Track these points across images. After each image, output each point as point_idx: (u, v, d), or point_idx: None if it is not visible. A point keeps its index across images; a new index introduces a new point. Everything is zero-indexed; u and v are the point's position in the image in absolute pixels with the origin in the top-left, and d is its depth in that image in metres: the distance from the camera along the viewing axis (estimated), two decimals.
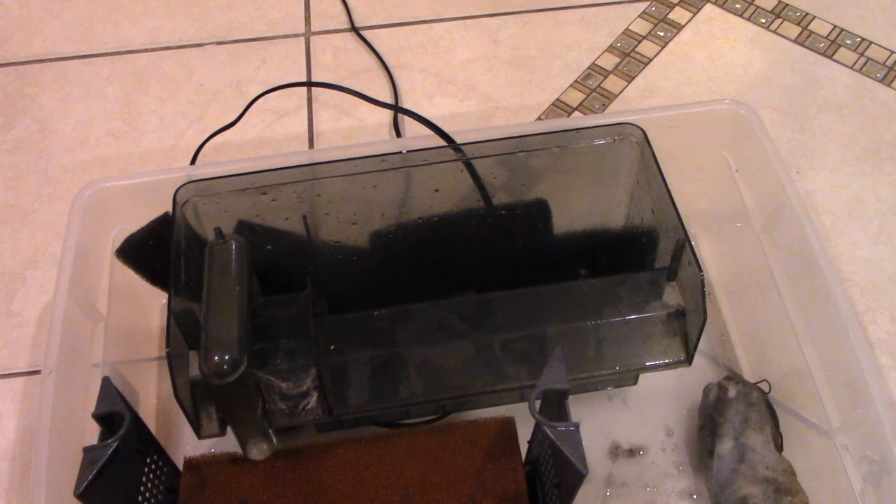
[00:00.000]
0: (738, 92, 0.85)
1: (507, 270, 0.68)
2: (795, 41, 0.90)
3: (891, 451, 0.50)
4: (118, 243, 0.64)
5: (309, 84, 0.87)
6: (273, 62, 0.89)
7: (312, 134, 0.83)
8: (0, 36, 0.93)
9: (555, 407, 0.49)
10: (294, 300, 0.56)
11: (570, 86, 0.86)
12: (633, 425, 0.64)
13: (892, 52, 0.88)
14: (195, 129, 0.84)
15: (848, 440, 0.55)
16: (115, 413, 0.48)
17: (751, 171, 0.66)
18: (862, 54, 0.88)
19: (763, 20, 0.91)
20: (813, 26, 0.91)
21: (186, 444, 0.64)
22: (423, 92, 0.86)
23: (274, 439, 0.53)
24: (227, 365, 0.48)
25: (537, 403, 0.48)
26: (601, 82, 0.87)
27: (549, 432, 0.46)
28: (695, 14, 0.92)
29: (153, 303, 0.70)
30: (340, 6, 0.94)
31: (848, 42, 0.89)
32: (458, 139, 0.63)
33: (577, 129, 0.63)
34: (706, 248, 0.73)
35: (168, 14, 0.94)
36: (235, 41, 0.91)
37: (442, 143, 0.63)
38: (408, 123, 0.83)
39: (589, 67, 0.88)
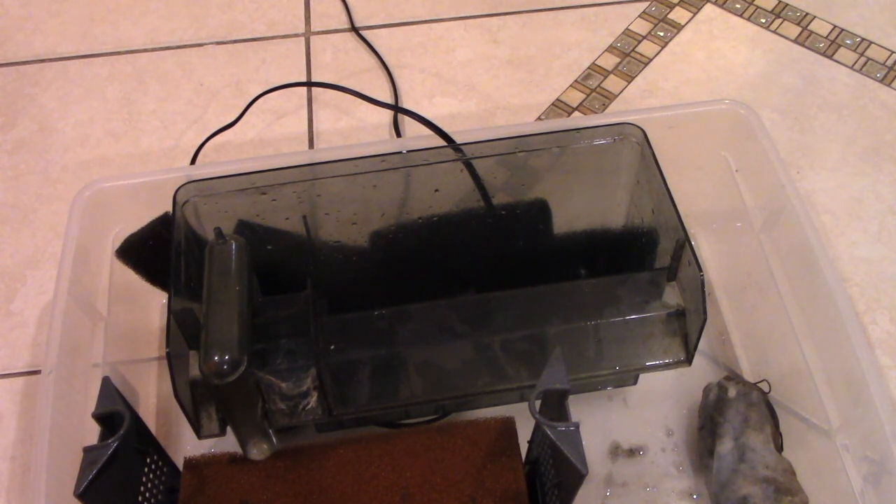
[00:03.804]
0: (738, 92, 0.85)
1: (507, 270, 0.68)
2: (795, 41, 0.90)
3: (891, 451, 0.50)
4: (118, 243, 0.64)
5: (309, 84, 0.87)
6: (273, 62, 0.89)
7: (312, 134, 0.83)
8: (0, 36, 0.93)
9: (555, 407, 0.49)
10: (294, 300, 0.56)
11: (570, 86, 0.86)
12: (633, 425, 0.64)
13: (892, 52, 0.88)
14: (195, 129, 0.84)
15: (848, 440, 0.55)
16: (115, 413, 0.48)
17: (751, 171, 0.66)
18: (862, 54, 0.88)
19: (763, 20, 0.91)
20: (813, 26, 0.91)
21: (186, 444, 0.64)
22: (423, 92, 0.86)
23: (274, 439, 0.53)
24: (227, 365, 0.48)
25: (537, 403, 0.48)
26: (601, 82, 0.87)
27: (549, 432, 0.46)
28: (695, 14, 0.92)
29: (153, 303, 0.70)
30: (340, 6, 0.94)
31: (848, 42, 0.89)
32: (458, 139, 0.63)
33: (577, 129, 0.63)
34: (706, 248, 0.73)
35: (168, 14, 0.94)
36: (235, 41, 0.91)
37: (442, 143, 0.63)
38: (408, 123, 0.83)
39: (589, 67, 0.88)
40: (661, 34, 0.91)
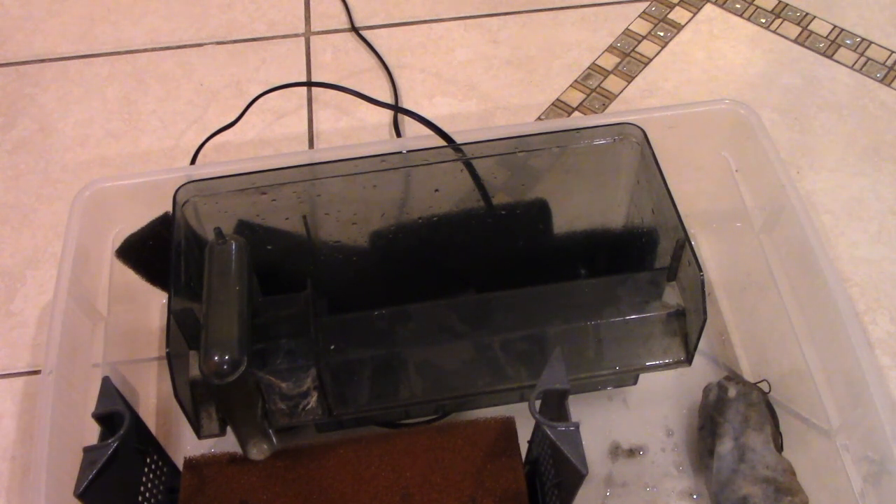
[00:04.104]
0: (738, 92, 0.85)
1: (507, 270, 0.68)
2: (795, 41, 0.90)
3: (891, 451, 0.50)
4: (118, 243, 0.64)
5: (309, 84, 0.87)
6: (273, 62, 0.89)
7: (312, 134, 0.83)
8: (0, 36, 0.93)
9: (555, 407, 0.49)
10: (294, 300, 0.56)
11: (570, 86, 0.86)
12: (633, 425, 0.64)
13: (892, 52, 0.88)
14: (195, 129, 0.84)
15: (848, 440, 0.55)
16: (115, 413, 0.48)
17: (751, 171, 0.66)
18: (862, 54, 0.88)
19: (763, 20, 0.91)
20: (813, 26, 0.91)
21: (186, 444, 0.64)
22: (423, 92, 0.86)
23: (274, 439, 0.53)
24: (227, 365, 0.48)
25: (537, 403, 0.48)
26: (601, 82, 0.87)
27: (549, 432, 0.46)
28: (695, 14, 0.92)
29: (153, 303, 0.70)
30: (340, 6, 0.94)
31: (848, 42, 0.89)
32: (458, 139, 0.63)
33: (577, 129, 0.63)
34: (706, 248, 0.73)
35: (168, 14, 0.94)
36: (235, 41, 0.91)
37: (442, 143, 0.64)
38: (408, 123, 0.83)
39: (589, 67, 0.88)
40: (661, 34, 0.91)
